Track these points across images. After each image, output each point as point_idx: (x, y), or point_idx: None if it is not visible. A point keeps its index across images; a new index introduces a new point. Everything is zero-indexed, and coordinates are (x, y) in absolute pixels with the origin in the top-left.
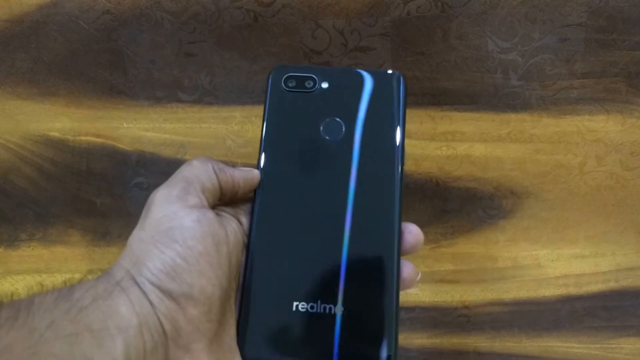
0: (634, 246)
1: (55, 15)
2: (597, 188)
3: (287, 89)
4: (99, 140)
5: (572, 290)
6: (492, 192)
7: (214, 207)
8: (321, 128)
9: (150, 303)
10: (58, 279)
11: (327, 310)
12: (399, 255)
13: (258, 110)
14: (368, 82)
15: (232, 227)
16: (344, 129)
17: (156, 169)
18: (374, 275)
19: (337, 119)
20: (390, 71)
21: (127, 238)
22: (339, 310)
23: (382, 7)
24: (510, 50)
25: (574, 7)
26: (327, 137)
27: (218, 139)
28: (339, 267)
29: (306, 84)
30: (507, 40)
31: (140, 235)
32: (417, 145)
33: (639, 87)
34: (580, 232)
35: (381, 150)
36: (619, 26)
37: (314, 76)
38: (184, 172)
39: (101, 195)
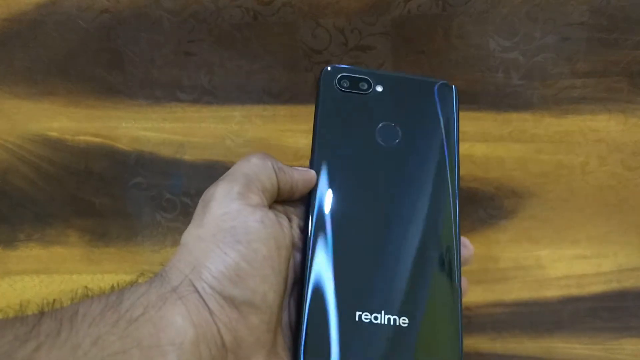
0: (636, 247)
1: (54, 14)
2: (599, 188)
3: (341, 89)
4: (97, 140)
5: (574, 291)
6: (494, 192)
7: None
8: (376, 132)
9: (210, 311)
10: (57, 279)
11: (392, 322)
12: (460, 267)
13: (257, 110)
14: (422, 91)
15: (286, 226)
16: (399, 134)
17: (155, 168)
18: (437, 286)
19: (393, 124)
20: (443, 82)
21: (125, 238)
22: (403, 321)
23: (382, 6)
24: (512, 49)
25: (575, 6)
26: (383, 142)
27: (217, 139)
28: (402, 277)
29: (360, 85)
30: (508, 39)
31: (198, 232)
32: None
33: None
34: (582, 232)
35: (438, 157)
36: (620, 25)
37: (368, 78)
38: (243, 168)
39: (100, 195)
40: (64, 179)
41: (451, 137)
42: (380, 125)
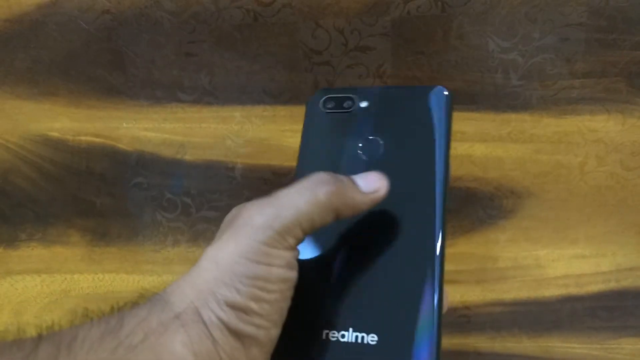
0: (635, 246)
1: (55, 15)
2: (597, 188)
3: (325, 110)
4: (98, 140)
5: (573, 291)
6: (493, 192)
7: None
8: (359, 147)
9: (214, 340)
10: (58, 279)
11: (359, 340)
12: (442, 284)
13: (258, 110)
14: (410, 99)
15: None
16: (383, 149)
17: (156, 168)
18: (411, 303)
19: (376, 138)
20: (436, 88)
21: (126, 238)
22: (372, 339)
23: (382, 7)
24: (511, 50)
25: (574, 7)
26: (365, 157)
27: (218, 139)
28: (374, 294)
29: (345, 104)
30: (507, 40)
31: (217, 256)
32: None
33: (639, 87)
34: (581, 232)
35: (422, 170)
36: (619, 26)
37: (352, 96)
38: (300, 202)
39: (101, 196)
40: (65, 179)
41: (438, 147)
42: (363, 140)
